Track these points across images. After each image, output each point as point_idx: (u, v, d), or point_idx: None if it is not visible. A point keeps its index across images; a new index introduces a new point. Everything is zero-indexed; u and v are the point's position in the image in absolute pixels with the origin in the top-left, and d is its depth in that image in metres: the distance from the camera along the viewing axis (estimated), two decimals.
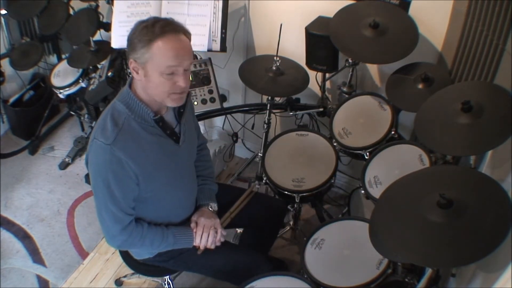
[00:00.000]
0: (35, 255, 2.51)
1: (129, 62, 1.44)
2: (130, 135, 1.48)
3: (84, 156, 2.66)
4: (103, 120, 1.49)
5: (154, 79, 1.42)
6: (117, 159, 1.44)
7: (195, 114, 1.99)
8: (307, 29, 2.15)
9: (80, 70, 2.70)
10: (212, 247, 1.73)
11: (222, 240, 1.76)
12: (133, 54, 1.41)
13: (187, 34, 1.46)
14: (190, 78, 1.52)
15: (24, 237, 2.59)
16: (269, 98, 2.29)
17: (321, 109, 2.38)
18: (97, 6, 2.67)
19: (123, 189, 1.50)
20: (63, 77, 2.79)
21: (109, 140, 1.44)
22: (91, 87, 2.52)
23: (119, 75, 2.46)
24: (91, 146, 1.49)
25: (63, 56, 3.07)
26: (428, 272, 1.50)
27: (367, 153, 1.97)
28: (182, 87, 1.44)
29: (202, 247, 1.73)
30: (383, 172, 1.85)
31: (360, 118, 2.09)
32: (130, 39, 1.42)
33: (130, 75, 1.51)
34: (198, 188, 1.82)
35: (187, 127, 1.65)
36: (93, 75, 2.60)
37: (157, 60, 1.39)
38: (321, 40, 2.11)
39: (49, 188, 2.87)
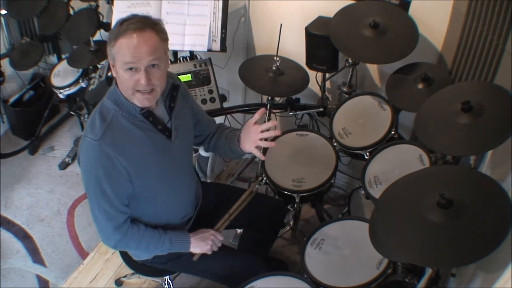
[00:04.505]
0: (35, 255, 2.51)
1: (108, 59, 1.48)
2: (119, 130, 1.48)
3: None
4: (92, 118, 1.50)
5: (120, 75, 1.45)
6: (106, 155, 1.45)
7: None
8: (307, 29, 2.15)
9: (80, 70, 2.70)
10: (209, 252, 1.73)
11: (219, 245, 1.75)
12: (108, 50, 1.45)
13: (159, 31, 1.44)
14: (159, 76, 1.46)
15: (24, 237, 2.59)
16: (269, 98, 2.28)
17: (321, 109, 2.38)
18: (97, 6, 2.67)
19: (114, 186, 1.50)
20: (63, 77, 2.79)
21: (97, 136, 1.44)
22: (91, 87, 2.52)
23: None
24: (81, 144, 1.50)
25: (63, 56, 3.07)
26: (428, 272, 1.50)
27: (367, 153, 1.97)
28: (143, 85, 1.43)
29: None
30: (383, 172, 1.85)
31: (360, 118, 2.09)
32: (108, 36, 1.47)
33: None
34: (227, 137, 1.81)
35: (179, 122, 1.63)
36: (93, 75, 2.60)
37: (119, 57, 1.42)
38: (321, 40, 2.11)
39: (49, 188, 2.87)
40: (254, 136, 1.70)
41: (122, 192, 1.53)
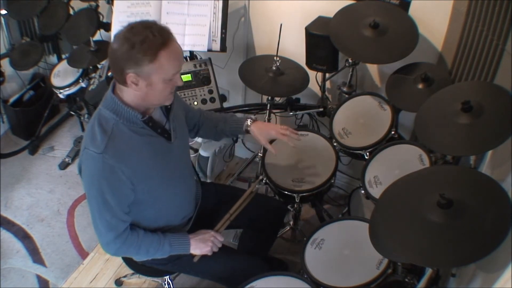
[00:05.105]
0: (35, 255, 2.51)
1: (126, 77, 1.38)
2: (121, 140, 1.47)
3: None
4: (91, 128, 1.48)
5: (158, 87, 1.42)
6: (109, 167, 1.44)
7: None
8: (307, 29, 2.15)
9: (80, 70, 2.70)
10: (209, 254, 1.72)
11: (220, 246, 1.75)
12: (136, 69, 1.36)
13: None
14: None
15: (24, 237, 2.59)
16: (269, 98, 2.29)
17: (321, 109, 2.38)
18: (97, 6, 2.67)
19: (118, 196, 1.49)
20: (63, 77, 2.79)
21: (99, 149, 1.43)
22: (91, 87, 2.52)
23: None
24: (83, 156, 1.48)
25: (63, 56, 3.07)
26: (428, 272, 1.50)
27: (367, 153, 1.97)
28: (179, 86, 1.50)
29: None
30: (383, 172, 1.85)
31: (360, 118, 2.09)
32: (129, 56, 1.35)
33: (113, 80, 1.49)
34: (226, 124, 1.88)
35: (176, 122, 1.64)
36: (93, 75, 2.61)
37: (165, 70, 1.39)
38: (321, 40, 2.11)
39: (49, 188, 2.87)
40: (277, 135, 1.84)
41: (124, 202, 1.53)
